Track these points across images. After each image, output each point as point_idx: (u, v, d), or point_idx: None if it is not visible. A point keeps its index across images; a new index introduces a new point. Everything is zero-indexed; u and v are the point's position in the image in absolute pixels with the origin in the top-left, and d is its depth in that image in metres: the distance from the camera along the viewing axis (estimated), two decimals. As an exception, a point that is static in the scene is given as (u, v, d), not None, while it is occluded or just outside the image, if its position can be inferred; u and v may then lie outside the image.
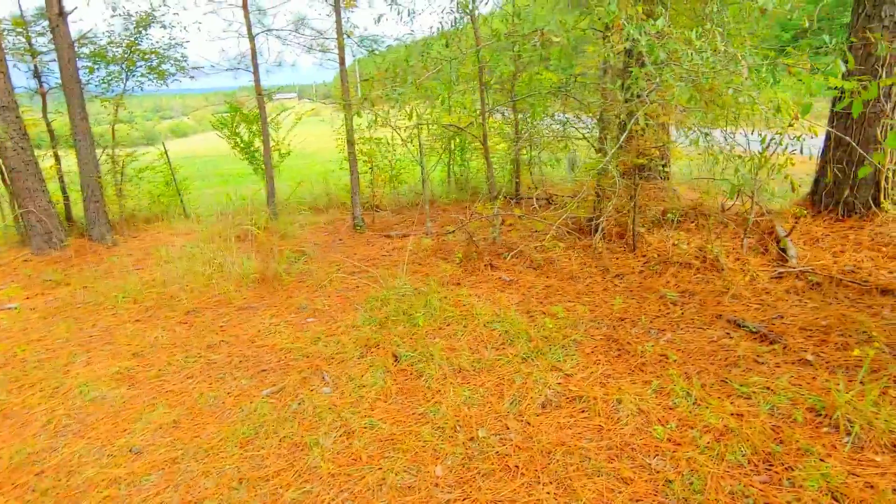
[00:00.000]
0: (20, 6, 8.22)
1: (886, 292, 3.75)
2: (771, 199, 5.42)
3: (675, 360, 3.30)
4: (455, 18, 5.16)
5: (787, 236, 4.62)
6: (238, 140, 9.78)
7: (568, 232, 5.98)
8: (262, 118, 8.57)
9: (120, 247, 7.56)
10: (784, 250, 4.54)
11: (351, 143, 7.57)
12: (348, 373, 3.60)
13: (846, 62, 3.05)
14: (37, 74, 8.55)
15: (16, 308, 5.44)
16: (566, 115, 7.47)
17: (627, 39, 4.08)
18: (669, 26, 3.93)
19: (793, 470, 2.29)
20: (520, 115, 8.15)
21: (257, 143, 9.75)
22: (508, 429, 2.84)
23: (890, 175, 4.53)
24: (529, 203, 7.62)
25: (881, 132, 4.43)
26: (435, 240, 6.74)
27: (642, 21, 4.02)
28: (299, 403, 3.28)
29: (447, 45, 4.44)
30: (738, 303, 4.01)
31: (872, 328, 3.30)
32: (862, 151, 4.30)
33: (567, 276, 5.05)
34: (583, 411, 2.91)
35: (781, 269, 4.25)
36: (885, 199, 4.59)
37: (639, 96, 4.97)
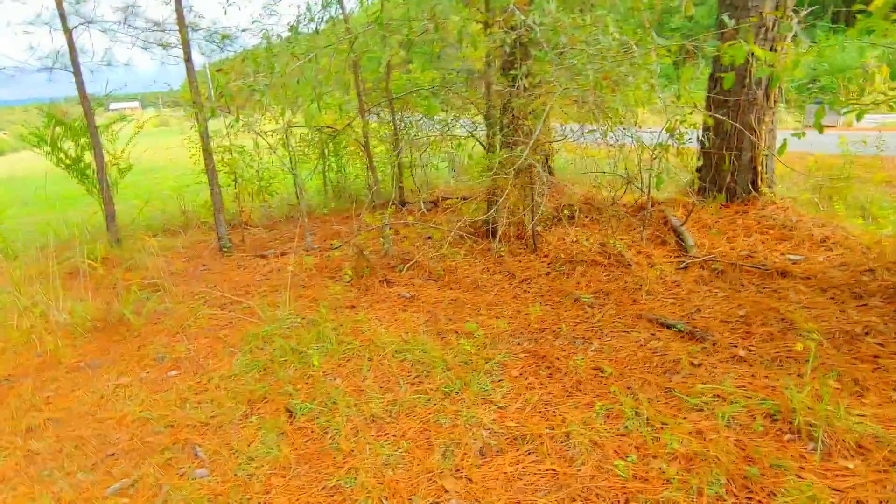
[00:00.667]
0: None
1: (785, 275, 3.81)
2: (652, 189, 5.46)
3: (611, 374, 3.00)
4: (323, 2, 4.50)
5: (682, 225, 4.63)
6: (62, 156, 8.12)
7: (462, 236, 5.59)
8: (90, 127, 7.14)
9: None
10: (682, 240, 4.53)
11: (208, 152, 6.52)
12: (230, 443, 2.82)
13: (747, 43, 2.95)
14: None
15: None
16: (445, 115, 7.12)
17: (519, 27, 3.75)
18: (561, 12, 3.66)
19: (776, 496, 2.03)
20: (398, 116, 7.65)
21: (89, 157, 8.18)
22: (447, 492, 2.30)
23: (765, 160, 4.73)
24: (416, 208, 7.15)
25: (755, 119, 4.60)
26: (318, 256, 6.00)
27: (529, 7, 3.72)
28: (164, 501, 2.45)
29: (317, 32, 3.79)
30: (653, 299, 3.87)
31: (789, 315, 3.28)
32: (752, 137, 4.42)
33: (472, 285, 4.64)
34: (529, 453, 2.46)
35: (687, 260, 4.20)
36: (761, 183, 4.79)
37: (526, 89, 4.72)
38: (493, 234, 5.45)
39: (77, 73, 6.86)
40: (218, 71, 3.01)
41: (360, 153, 8.82)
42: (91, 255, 6.54)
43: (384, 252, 5.57)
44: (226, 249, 6.70)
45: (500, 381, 3.08)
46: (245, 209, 7.12)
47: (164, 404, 3.28)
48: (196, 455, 2.76)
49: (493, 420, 2.73)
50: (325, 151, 9.18)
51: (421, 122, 7.97)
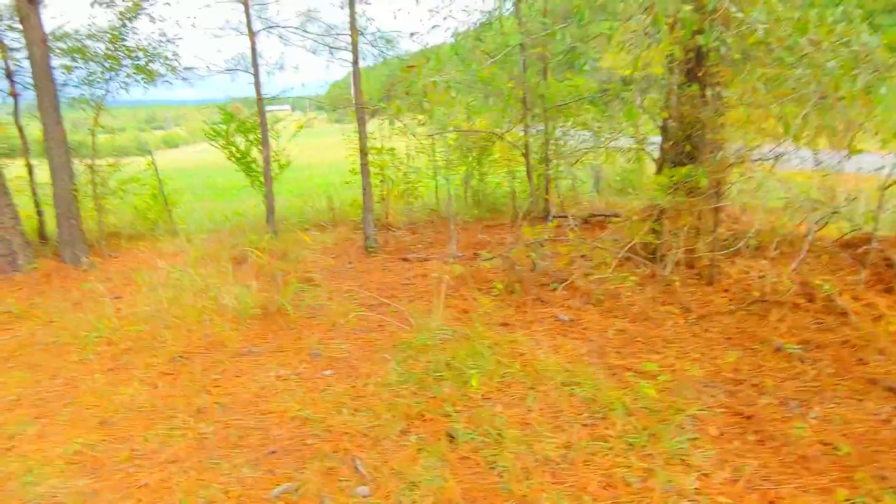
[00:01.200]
0: (-9, -4, 7.27)
1: None
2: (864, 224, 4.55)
3: (847, 454, 2.39)
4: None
5: (920, 272, 3.75)
6: (234, 150, 8.85)
7: (625, 258, 5.07)
8: (261, 124, 7.67)
9: (97, 270, 6.56)
10: (918, 289, 3.67)
11: (364, 152, 6.67)
12: (390, 461, 2.64)
13: None
14: (8, 74, 7.59)
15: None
16: (601, 128, 6.63)
17: (739, 28, 3.23)
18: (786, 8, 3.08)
19: None
20: (549, 125, 7.30)
21: (254, 153, 8.85)
22: (650, 575, 1.90)
23: None
24: (564, 223, 6.74)
25: None
26: (464, 265, 5.82)
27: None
28: (327, 515, 2.32)
29: (501, 29, 3.58)
30: (888, 361, 3.12)
31: None
32: None
33: (640, 316, 4.14)
34: (755, 545, 1.97)
35: (933, 317, 3.37)
36: None
37: (718, 98, 4.14)
38: (661, 260, 4.89)
39: (255, 73, 7.40)
40: (409, 67, 2.93)
41: (505, 161, 8.62)
42: (255, 244, 7.00)
43: (535, 268, 5.24)
44: (371, 249, 6.80)
45: (695, 439, 2.60)
46: (390, 210, 7.19)
47: (322, 406, 3.22)
48: (356, 469, 2.62)
49: (696, 489, 2.26)
50: (469, 159, 9.10)
51: (570, 132, 7.57)
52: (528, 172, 5.71)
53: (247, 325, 4.60)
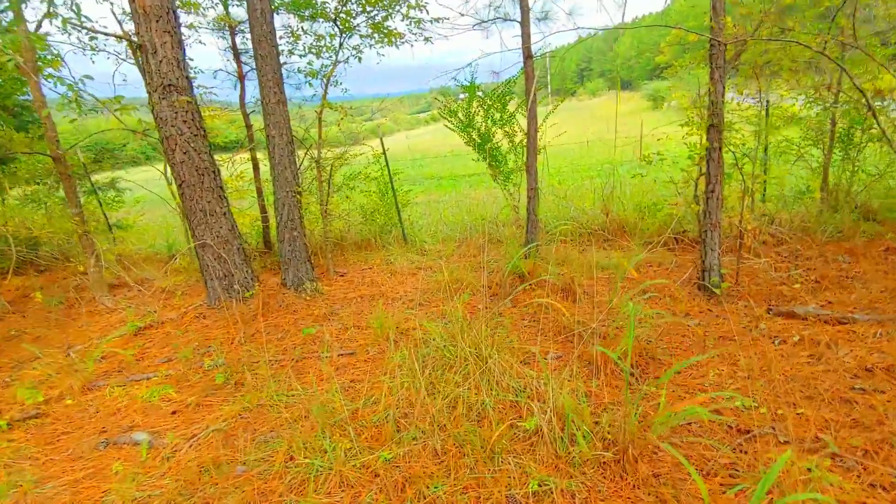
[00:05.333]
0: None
1: None
2: None
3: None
4: None
5: None
6: (473, 133, 6.79)
7: None
8: (527, 93, 5.39)
9: (322, 298, 4.95)
10: None
11: (717, 127, 3.94)
12: None
13: None
14: (235, 52, 6.50)
15: (144, 445, 2.88)
16: None
17: None
18: None
19: None
20: None
21: (498, 136, 6.71)
22: None
23: None
24: None
25: None
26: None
27: None
28: None
29: None
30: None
31: None
32: None
33: None
34: None
35: None
36: None
37: None
38: None
39: (524, 20, 5.12)
40: None
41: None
42: (515, 266, 4.79)
43: None
44: (714, 288, 4.08)
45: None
46: (747, 223, 4.31)
47: None
48: None
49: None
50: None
51: None
52: None
53: (582, 474, 2.27)
